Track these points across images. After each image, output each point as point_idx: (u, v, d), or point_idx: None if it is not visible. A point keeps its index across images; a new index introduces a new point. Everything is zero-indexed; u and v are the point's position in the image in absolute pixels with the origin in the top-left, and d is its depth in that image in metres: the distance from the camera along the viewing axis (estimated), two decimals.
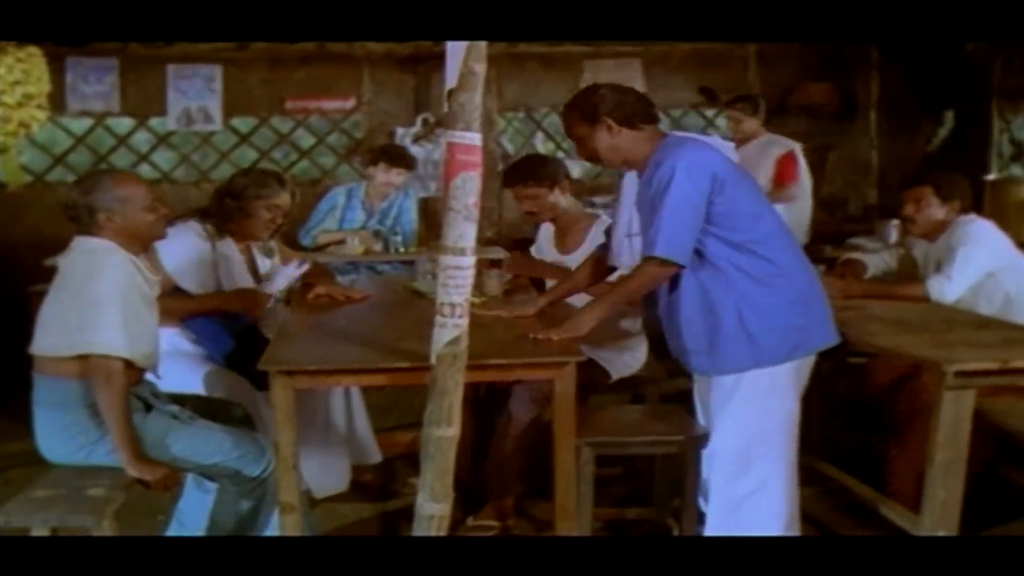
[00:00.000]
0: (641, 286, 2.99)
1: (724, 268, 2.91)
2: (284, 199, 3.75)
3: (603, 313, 3.07)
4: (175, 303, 3.48)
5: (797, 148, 5.58)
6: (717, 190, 2.87)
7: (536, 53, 7.22)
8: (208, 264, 3.65)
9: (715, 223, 2.89)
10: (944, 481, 3.01)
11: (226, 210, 3.69)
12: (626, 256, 3.26)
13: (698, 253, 2.91)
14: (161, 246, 3.33)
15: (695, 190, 2.85)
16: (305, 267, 3.80)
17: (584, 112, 2.98)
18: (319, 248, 5.46)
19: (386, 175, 5.55)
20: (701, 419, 3.22)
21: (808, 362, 3.10)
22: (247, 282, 3.75)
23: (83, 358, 2.88)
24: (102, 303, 2.87)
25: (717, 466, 3.05)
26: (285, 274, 3.75)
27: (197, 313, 3.60)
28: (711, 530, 3.06)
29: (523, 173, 3.96)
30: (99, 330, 2.85)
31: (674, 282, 2.99)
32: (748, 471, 2.99)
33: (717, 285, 2.93)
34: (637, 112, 2.98)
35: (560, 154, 7.38)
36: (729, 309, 2.92)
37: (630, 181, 3.20)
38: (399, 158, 5.60)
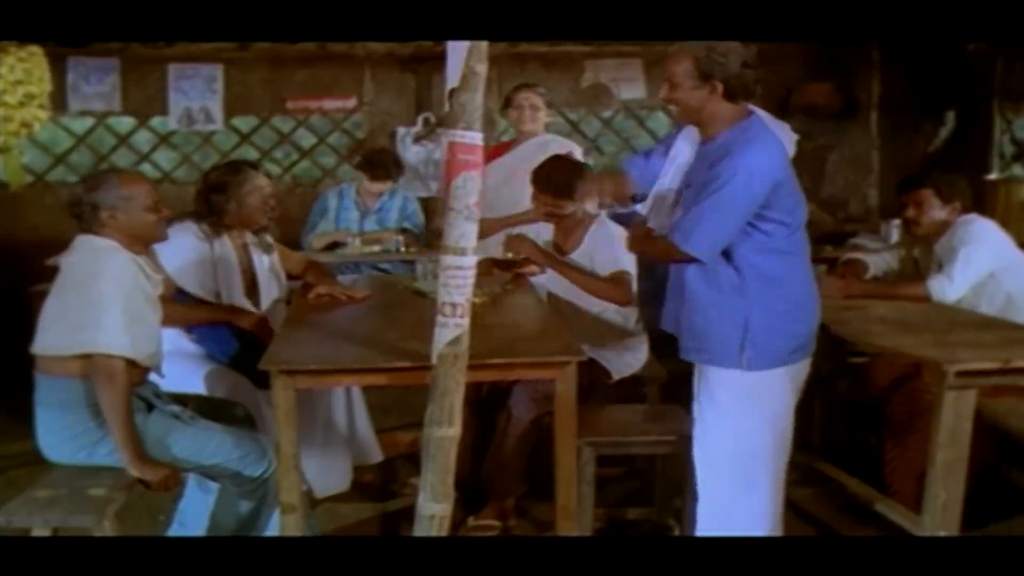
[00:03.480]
0: (655, 259, 3.01)
1: (743, 268, 2.88)
2: (263, 181, 3.79)
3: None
4: (174, 309, 3.49)
5: None
6: (771, 194, 2.82)
7: (537, 53, 7.22)
8: (207, 264, 3.66)
9: (754, 225, 2.86)
10: (945, 481, 3.01)
11: (216, 206, 3.70)
12: (651, 211, 3.17)
13: (725, 252, 2.89)
14: (160, 248, 3.33)
15: (749, 198, 2.80)
16: None
17: (701, 63, 2.81)
18: (331, 247, 5.49)
19: (370, 184, 5.58)
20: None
21: (804, 366, 3.05)
22: (240, 282, 3.75)
23: (85, 357, 2.88)
24: (105, 302, 2.88)
25: (705, 464, 3.03)
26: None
27: (191, 323, 3.62)
28: (701, 529, 3.05)
29: (556, 186, 3.88)
30: (101, 330, 2.86)
31: (692, 266, 2.97)
32: (737, 472, 2.97)
33: (732, 285, 2.90)
34: (745, 90, 2.88)
35: None
36: (736, 311, 2.90)
37: (684, 138, 3.08)
38: (378, 172, 5.58)
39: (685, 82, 2.86)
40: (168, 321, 3.30)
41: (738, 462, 2.97)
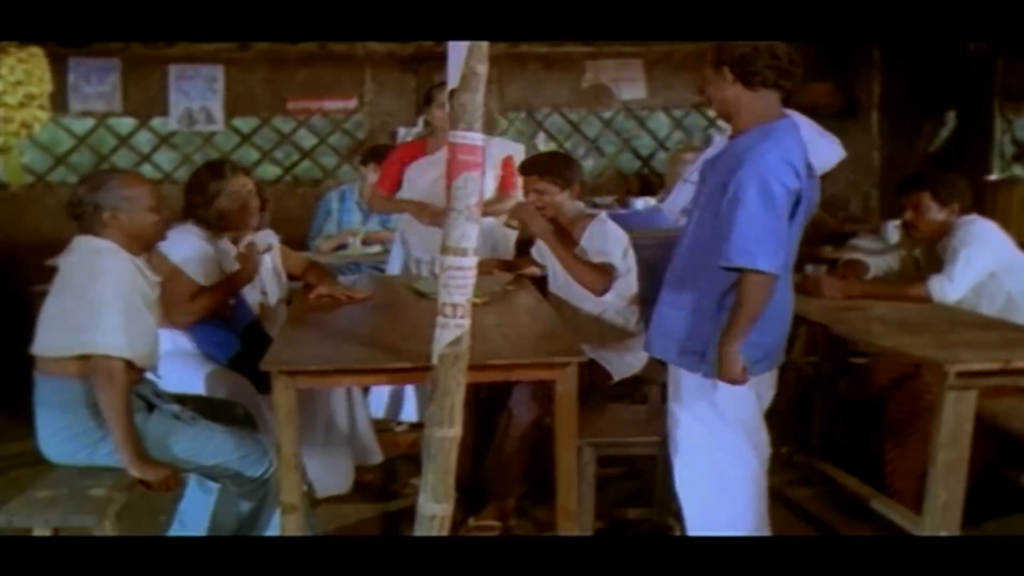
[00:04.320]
0: (760, 301, 2.78)
1: (724, 277, 2.83)
2: (238, 183, 3.73)
3: (740, 342, 2.82)
4: (201, 299, 3.54)
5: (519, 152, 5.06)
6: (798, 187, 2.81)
7: (537, 53, 7.22)
8: (212, 261, 3.66)
9: None
10: (946, 481, 3.01)
11: (202, 218, 3.69)
12: (672, 195, 3.25)
13: (708, 251, 2.85)
14: (168, 245, 3.34)
15: (780, 191, 2.75)
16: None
17: (716, 56, 2.88)
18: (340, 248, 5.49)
19: (375, 175, 5.54)
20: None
21: (770, 377, 3.04)
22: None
23: (84, 358, 2.88)
24: (104, 304, 2.88)
25: (681, 465, 3.04)
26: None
27: (221, 300, 3.62)
28: (689, 523, 3.06)
29: (542, 167, 4.02)
30: (100, 331, 2.86)
31: (676, 262, 3.00)
32: (713, 475, 2.97)
33: (710, 290, 2.87)
34: (761, 73, 2.83)
35: None
36: (708, 318, 2.88)
37: (722, 139, 3.15)
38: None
39: (709, 75, 2.92)
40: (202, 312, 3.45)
41: (712, 464, 2.98)
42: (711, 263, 2.82)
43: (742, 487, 2.99)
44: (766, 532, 3.04)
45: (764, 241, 2.73)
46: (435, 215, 4.35)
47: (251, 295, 3.76)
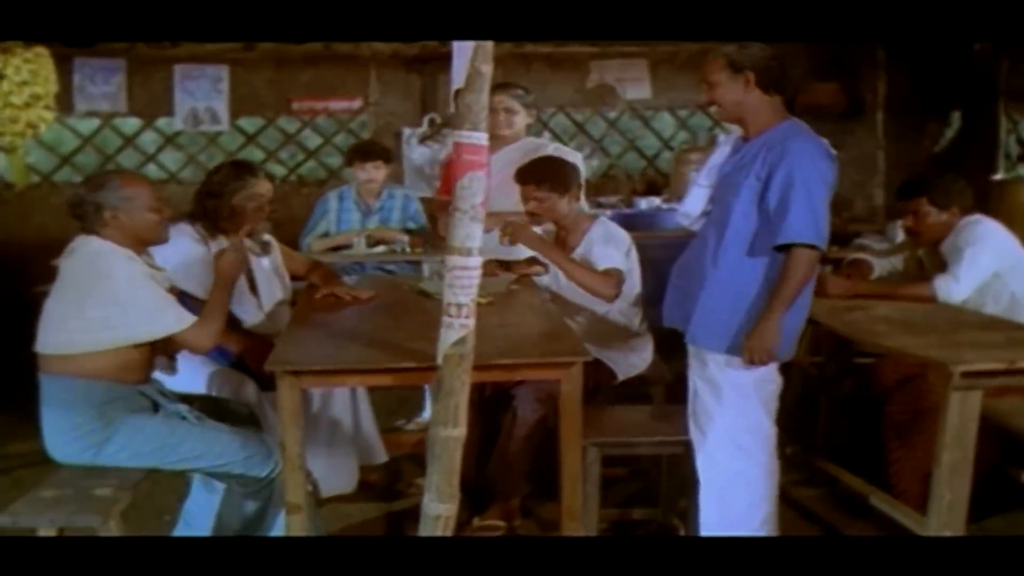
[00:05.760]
0: (805, 277, 2.97)
1: (770, 264, 2.99)
2: (263, 186, 3.72)
3: (782, 315, 2.98)
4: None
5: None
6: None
7: (542, 53, 7.22)
8: (206, 266, 3.63)
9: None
10: (950, 482, 3.01)
11: (211, 210, 3.67)
12: (686, 200, 3.33)
13: (754, 246, 3.01)
14: (157, 251, 3.32)
15: (825, 178, 2.97)
16: None
17: (733, 58, 3.03)
18: (336, 248, 5.48)
19: (364, 172, 5.52)
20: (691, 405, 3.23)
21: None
22: (243, 284, 3.74)
23: (90, 356, 2.92)
24: (133, 290, 2.95)
25: (710, 452, 3.12)
26: None
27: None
28: (704, 510, 3.14)
29: (539, 175, 3.89)
30: (142, 318, 2.97)
31: (714, 257, 3.06)
32: (738, 454, 3.07)
33: (756, 278, 3.00)
34: (777, 80, 3.05)
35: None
36: (757, 303, 3.00)
37: (725, 143, 3.27)
38: (369, 152, 5.55)
39: (721, 80, 3.06)
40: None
41: (737, 440, 3.08)
42: (758, 252, 3.00)
43: (763, 463, 3.10)
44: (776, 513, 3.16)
45: (819, 221, 2.91)
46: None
47: (242, 301, 3.74)
